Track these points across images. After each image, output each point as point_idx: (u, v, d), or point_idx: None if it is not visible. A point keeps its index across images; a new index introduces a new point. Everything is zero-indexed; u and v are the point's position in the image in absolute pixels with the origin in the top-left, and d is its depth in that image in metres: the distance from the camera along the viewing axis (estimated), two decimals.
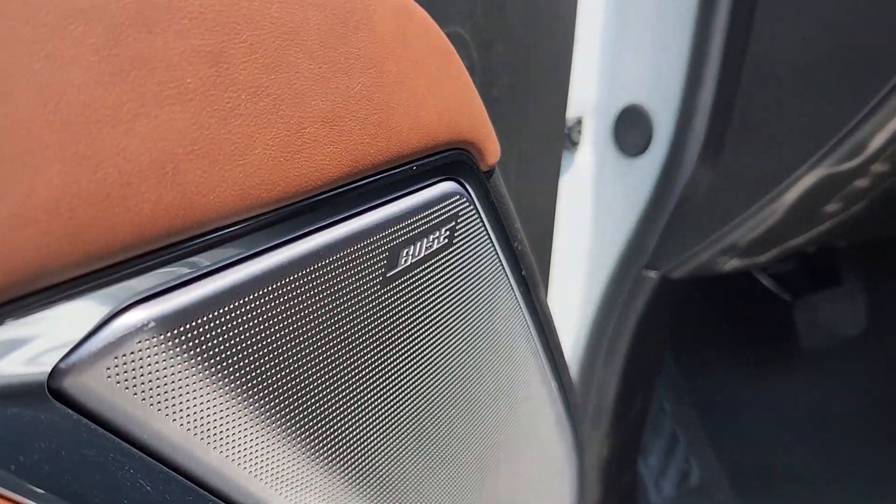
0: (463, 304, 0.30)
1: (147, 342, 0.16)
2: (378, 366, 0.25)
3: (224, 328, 0.18)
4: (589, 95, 0.64)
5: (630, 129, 0.64)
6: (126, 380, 0.16)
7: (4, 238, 0.13)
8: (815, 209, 0.59)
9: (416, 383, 0.28)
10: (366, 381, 0.25)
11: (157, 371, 0.16)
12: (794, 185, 0.56)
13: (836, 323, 1.05)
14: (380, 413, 0.26)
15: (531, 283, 0.35)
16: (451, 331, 0.29)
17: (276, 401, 0.20)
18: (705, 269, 0.64)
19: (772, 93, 0.56)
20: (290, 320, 0.20)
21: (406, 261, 0.25)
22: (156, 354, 0.16)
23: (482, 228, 0.29)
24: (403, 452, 0.29)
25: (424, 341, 0.28)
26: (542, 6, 0.48)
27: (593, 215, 0.68)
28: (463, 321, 0.30)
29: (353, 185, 0.22)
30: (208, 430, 0.18)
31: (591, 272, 0.68)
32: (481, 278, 0.30)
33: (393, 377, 0.26)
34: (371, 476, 0.27)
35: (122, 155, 0.15)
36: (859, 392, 1.10)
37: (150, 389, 0.16)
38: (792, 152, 0.55)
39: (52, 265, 0.14)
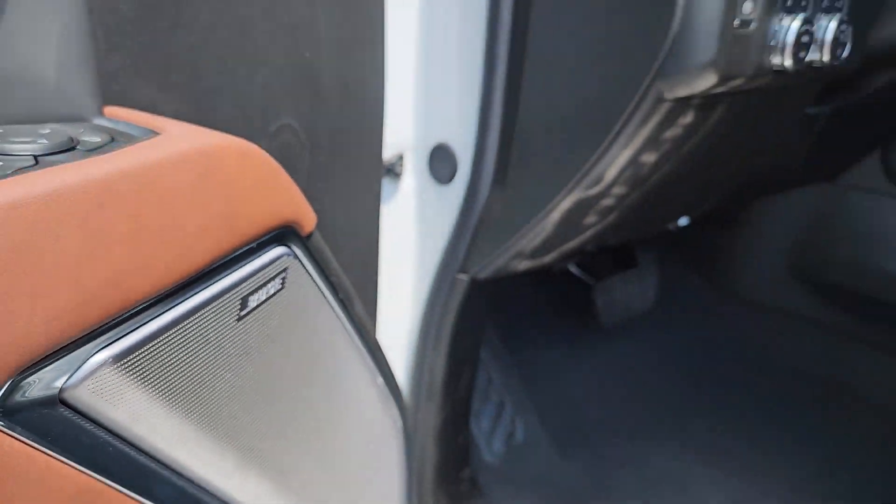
0: (298, 326, 0.44)
1: (108, 369, 0.30)
2: (245, 372, 0.39)
3: (144, 361, 0.32)
4: (408, 137, 0.80)
5: (440, 163, 0.81)
6: (101, 390, 0.30)
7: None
8: (577, 222, 0.78)
9: (273, 380, 0.43)
10: (239, 382, 0.39)
11: (115, 385, 0.30)
12: (557, 206, 0.75)
13: (630, 300, 1.29)
14: (250, 401, 0.41)
15: (348, 302, 0.50)
16: (291, 344, 0.44)
17: (185, 397, 0.34)
18: (503, 271, 0.82)
19: (537, 138, 0.74)
20: (184, 350, 0.34)
21: (253, 304, 0.39)
22: (113, 376, 0.30)
23: (305, 274, 0.44)
24: (268, 425, 0.43)
25: (274, 353, 0.42)
26: (355, 80, 0.63)
27: (417, 231, 0.84)
28: (299, 336, 0.45)
29: (220, 262, 0.36)
30: (150, 417, 0.32)
31: (418, 277, 0.85)
32: (309, 306, 0.45)
33: (256, 379, 0.41)
34: (248, 441, 0.41)
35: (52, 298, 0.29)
36: (651, 353, 1.34)
37: (114, 395, 0.30)
38: (553, 183, 0.74)
39: (51, 341, 0.28)
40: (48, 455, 0.28)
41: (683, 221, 1.01)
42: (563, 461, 1.13)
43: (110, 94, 0.40)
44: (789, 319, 1.33)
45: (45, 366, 0.28)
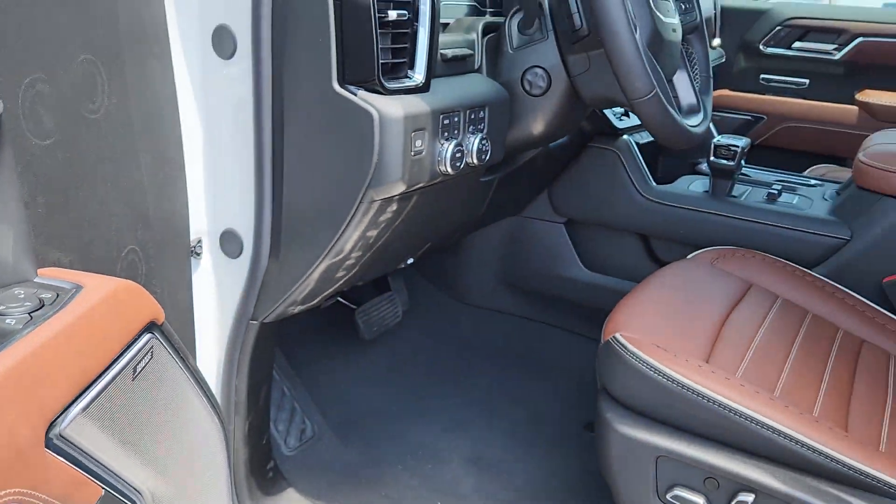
0: (161, 375, 0.75)
1: (78, 420, 0.60)
2: (140, 404, 0.70)
3: (96, 408, 0.62)
4: (204, 224, 1.10)
5: (229, 243, 1.12)
6: (79, 431, 0.59)
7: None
8: (331, 277, 1.13)
9: (150, 407, 0.73)
10: (139, 409, 0.69)
11: (84, 427, 0.60)
12: (316, 269, 1.09)
13: (385, 316, 1.68)
14: (145, 421, 0.71)
15: (184, 354, 0.81)
16: (159, 387, 0.75)
17: (118, 421, 0.65)
18: (283, 315, 1.16)
19: (298, 222, 1.08)
20: (113, 398, 0.64)
21: (139, 369, 0.70)
22: (80, 424, 0.60)
23: (161, 346, 0.75)
24: (151, 431, 0.73)
25: (151, 392, 0.73)
26: (169, 198, 0.93)
27: (218, 292, 1.15)
28: (162, 381, 0.75)
29: (124, 350, 0.67)
30: (106, 443, 0.62)
31: (221, 325, 1.16)
32: (165, 364, 0.76)
33: (146, 407, 0.71)
34: (145, 444, 0.71)
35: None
36: (406, 354, 1.75)
37: (87, 433, 0.60)
38: (312, 253, 1.08)
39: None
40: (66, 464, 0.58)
41: (410, 261, 1.41)
42: (343, 447, 1.48)
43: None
44: (503, 316, 1.81)
45: (56, 419, 0.58)
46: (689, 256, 1.44)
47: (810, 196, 1.60)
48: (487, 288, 1.81)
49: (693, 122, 1.23)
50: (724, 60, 2.54)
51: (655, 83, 1.04)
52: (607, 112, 1.60)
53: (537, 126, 1.23)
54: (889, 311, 1.35)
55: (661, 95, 1.05)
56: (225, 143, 1.07)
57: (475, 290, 1.83)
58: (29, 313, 0.59)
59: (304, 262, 1.09)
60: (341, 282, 1.17)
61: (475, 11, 1.35)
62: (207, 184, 1.09)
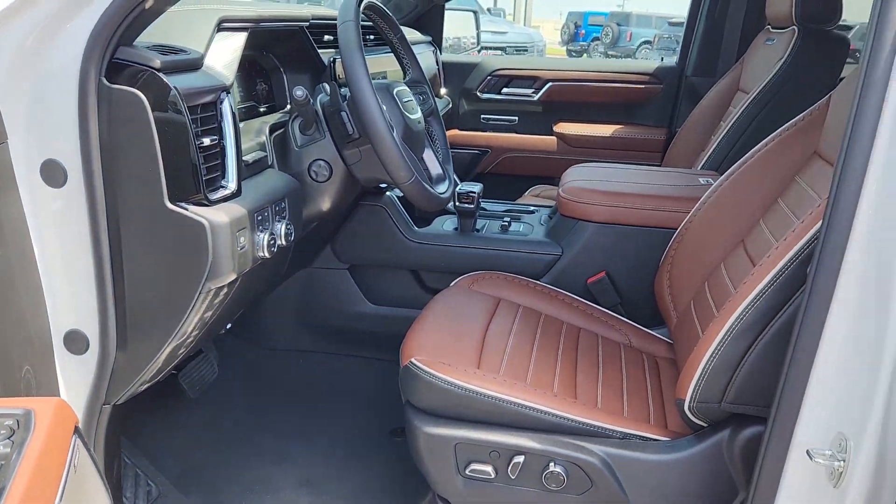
0: (84, 465, 0.94)
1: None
2: None
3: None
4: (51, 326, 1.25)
5: (74, 342, 1.28)
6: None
7: None
8: (175, 355, 1.34)
9: None
10: None
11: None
12: (162, 353, 1.29)
13: (203, 375, 1.87)
14: None
15: (88, 446, 1.00)
16: (84, 475, 0.94)
17: None
18: (133, 394, 1.34)
19: (141, 317, 1.28)
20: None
21: (76, 465, 0.89)
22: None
23: (81, 442, 0.94)
24: None
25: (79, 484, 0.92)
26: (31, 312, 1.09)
27: (77, 382, 1.30)
28: (85, 469, 0.95)
29: None
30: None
31: (78, 411, 1.31)
32: (85, 457, 0.96)
33: None
34: None
35: None
36: (224, 403, 1.96)
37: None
38: (158, 341, 1.29)
39: None
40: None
41: (228, 325, 1.64)
42: (187, 498, 1.67)
43: None
44: (305, 354, 2.09)
45: None
46: (451, 284, 1.83)
47: (531, 223, 2.09)
48: (289, 332, 2.07)
49: (442, 190, 1.62)
50: (450, 106, 3.03)
51: (414, 170, 1.40)
52: None
53: (325, 204, 1.54)
54: (594, 303, 1.86)
55: (419, 178, 1.42)
56: (65, 256, 1.23)
57: (278, 335, 2.08)
58: (9, 438, 0.78)
59: (151, 348, 1.29)
60: (181, 357, 1.38)
61: (252, 112, 1.61)
62: (48, 291, 1.24)
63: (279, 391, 2.04)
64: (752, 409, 1.25)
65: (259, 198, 1.32)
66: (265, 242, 1.31)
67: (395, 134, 1.39)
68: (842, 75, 2.27)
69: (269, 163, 1.47)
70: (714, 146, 2.28)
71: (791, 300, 1.19)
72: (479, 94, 3.10)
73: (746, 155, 1.66)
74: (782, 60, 2.21)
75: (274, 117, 1.55)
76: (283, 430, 1.90)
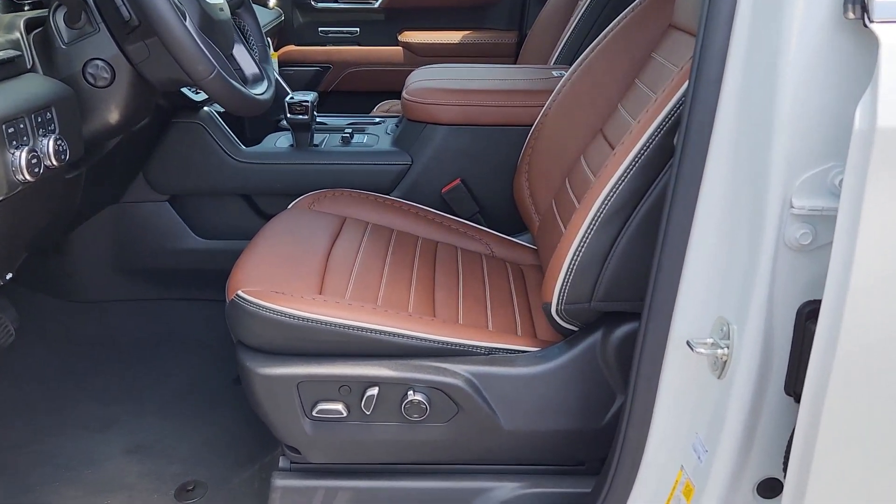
0: None
1: None
2: None
3: None
4: None
5: None
6: None
7: None
8: None
9: None
10: None
11: None
12: None
13: None
14: None
15: None
16: None
17: None
18: None
19: None
20: None
21: None
22: None
23: None
24: None
25: None
26: None
27: None
28: None
29: None
30: None
31: None
32: None
33: None
34: None
35: None
36: (26, 372, 1.65)
37: None
38: None
39: None
40: None
41: (9, 276, 1.33)
42: None
43: None
44: (127, 304, 1.80)
45: None
46: (289, 206, 1.60)
47: (376, 133, 1.87)
48: (104, 280, 1.77)
49: (259, 91, 1.36)
50: (283, 19, 2.72)
51: (215, 63, 1.14)
52: (183, 89, 1.65)
53: (112, 116, 1.25)
54: (451, 214, 1.69)
55: (223, 73, 1.16)
56: None
57: (91, 285, 1.77)
58: None
59: None
60: None
61: (11, 6, 1.27)
62: None
63: (98, 350, 1.75)
64: (625, 306, 1.13)
65: (8, 105, 1.02)
66: (23, 162, 1.03)
67: (187, 21, 1.12)
68: None
69: (28, 65, 1.16)
70: (564, 41, 2.14)
71: (657, 179, 1.06)
72: (313, 3, 2.80)
73: (598, 37, 1.52)
74: None
75: (30, 14, 1.23)
76: (106, 393, 1.63)
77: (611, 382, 1.18)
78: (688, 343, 0.93)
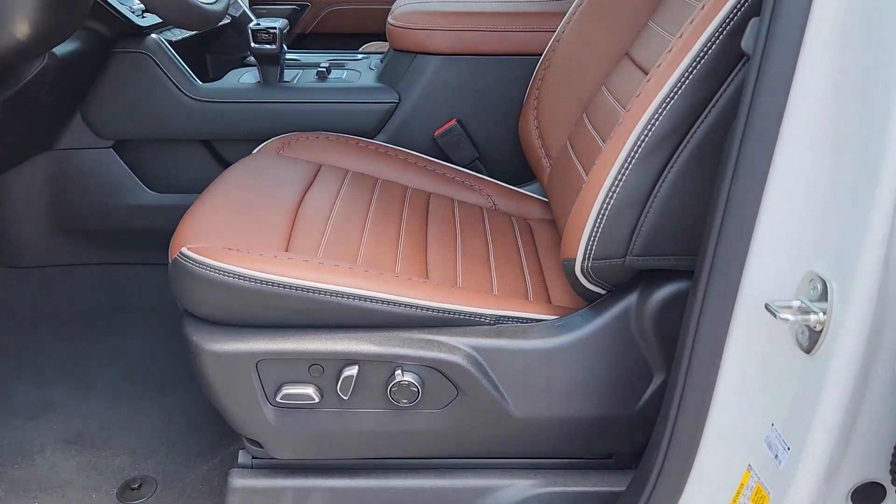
0: None
1: None
2: None
3: None
4: None
5: None
6: None
7: None
8: None
9: None
10: None
11: None
12: None
13: None
14: None
15: None
16: None
17: None
18: None
19: None
20: None
21: None
22: None
23: None
24: None
25: None
26: None
27: None
28: None
29: None
30: None
31: None
32: None
33: None
34: None
35: None
36: None
37: None
38: None
39: None
40: None
41: None
42: None
43: None
44: (68, 269, 1.54)
45: None
46: (254, 151, 1.35)
47: (358, 69, 1.61)
48: (39, 243, 1.51)
49: (209, 1, 1.10)
50: None
51: None
52: (124, 10, 1.38)
53: (20, 29, 0.99)
54: (446, 160, 1.44)
55: None
56: None
57: (24, 248, 1.52)
58: None
59: None
60: None
61: None
62: None
63: (35, 324, 1.50)
64: (669, 261, 0.90)
65: None
66: None
67: None
68: None
69: None
70: None
71: (718, 93, 0.82)
72: None
73: None
74: None
75: None
76: (42, 374, 1.39)
77: (647, 358, 0.95)
78: (767, 307, 0.69)
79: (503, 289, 1.05)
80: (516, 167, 1.47)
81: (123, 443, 1.25)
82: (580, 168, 1.12)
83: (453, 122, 1.47)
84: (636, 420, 0.98)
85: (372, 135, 1.48)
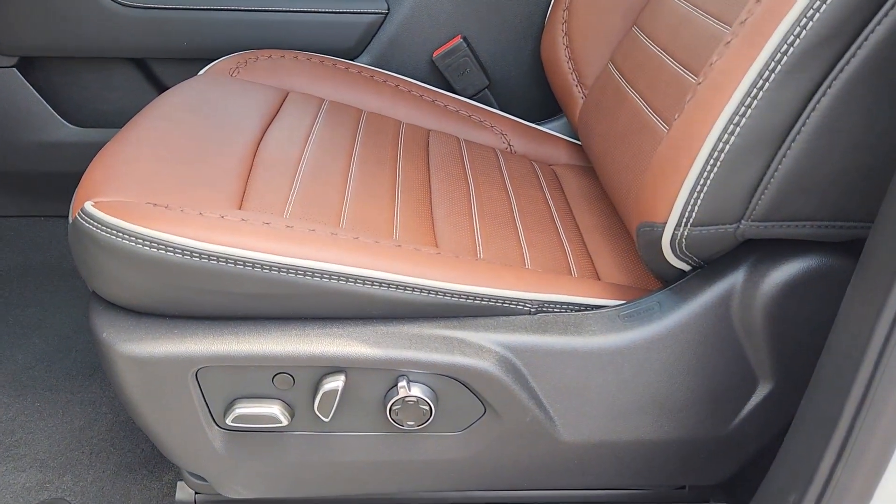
0: None
1: None
2: None
3: None
4: None
5: None
6: None
7: None
8: None
9: None
10: None
11: None
12: None
13: None
14: None
15: None
16: None
17: None
18: None
19: None
20: None
21: None
22: None
23: None
24: None
25: None
26: None
27: None
28: None
29: None
30: None
31: None
32: None
33: None
34: None
35: None
36: None
37: None
38: None
39: None
40: None
41: None
42: None
43: None
44: None
45: None
46: (200, 72, 1.04)
47: None
48: None
49: None
50: None
51: None
52: None
53: None
54: (447, 90, 1.14)
55: None
56: None
57: None
58: None
59: None
60: None
61: None
62: None
63: None
64: (805, 229, 0.62)
65: None
66: None
67: None
68: None
69: None
70: None
71: None
72: None
73: None
74: None
75: None
76: None
77: (751, 360, 0.68)
78: None
79: (538, 261, 0.76)
80: (536, 98, 1.18)
81: (31, 452, 0.96)
82: (636, 97, 0.83)
83: (458, 39, 1.17)
84: (725, 442, 0.72)
85: (353, 54, 1.18)
